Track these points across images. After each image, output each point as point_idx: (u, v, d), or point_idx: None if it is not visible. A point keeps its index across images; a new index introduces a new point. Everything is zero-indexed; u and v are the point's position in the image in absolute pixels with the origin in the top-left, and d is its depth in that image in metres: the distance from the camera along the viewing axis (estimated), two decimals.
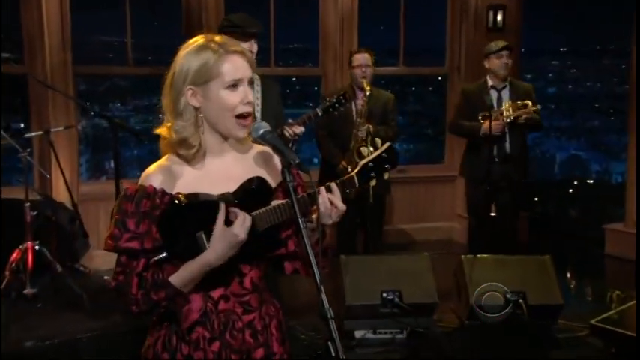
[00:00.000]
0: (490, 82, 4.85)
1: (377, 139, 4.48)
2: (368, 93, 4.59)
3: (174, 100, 1.67)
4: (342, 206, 1.68)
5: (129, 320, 3.80)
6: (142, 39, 6.16)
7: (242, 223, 1.60)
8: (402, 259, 3.97)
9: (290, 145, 3.53)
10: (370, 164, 1.75)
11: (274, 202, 1.65)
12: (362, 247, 4.92)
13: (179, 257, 1.62)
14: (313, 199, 1.64)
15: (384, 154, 1.77)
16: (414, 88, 7.73)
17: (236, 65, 1.65)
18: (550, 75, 9.40)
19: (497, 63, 4.78)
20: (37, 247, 4.40)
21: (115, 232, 1.61)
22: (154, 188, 1.63)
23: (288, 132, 3.54)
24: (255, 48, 3.38)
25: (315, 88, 7.11)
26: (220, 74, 1.64)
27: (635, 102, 5.62)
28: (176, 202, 1.61)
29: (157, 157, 1.74)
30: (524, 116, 4.65)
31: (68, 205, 4.98)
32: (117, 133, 4.03)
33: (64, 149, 5.18)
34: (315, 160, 6.79)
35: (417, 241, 6.37)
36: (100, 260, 5.21)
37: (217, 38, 1.68)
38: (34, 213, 4.49)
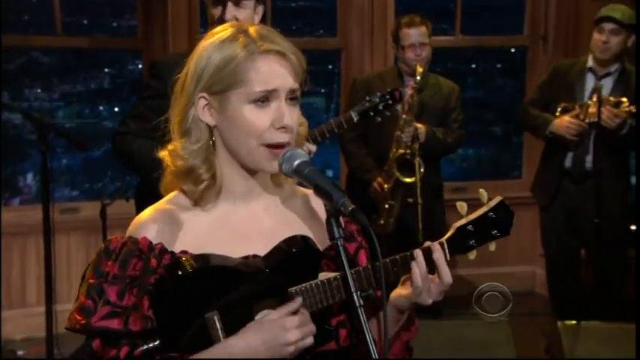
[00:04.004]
0: (590, 63, 4.83)
1: (418, 159, 4.55)
2: (418, 78, 4.65)
3: (183, 111, 1.68)
4: (448, 278, 1.69)
5: None
6: None
7: (300, 322, 1.60)
8: (470, 327, 4.04)
9: None
10: (469, 227, 1.75)
11: (323, 275, 1.66)
12: None
13: (178, 348, 1.61)
14: (378, 270, 1.63)
15: (490, 214, 1.75)
16: (474, 66, 7.73)
17: (271, 70, 1.65)
18: None
19: (595, 40, 4.76)
20: None
21: (87, 304, 1.60)
22: (150, 242, 1.64)
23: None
24: (244, 14, 3.38)
25: (330, 67, 7.14)
26: (245, 81, 1.64)
27: None
28: (176, 266, 1.61)
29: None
30: (609, 118, 4.48)
31: None
32: (46, 138, 4.03)
33: None
34: (330, 172, 6.82)
35: None
36: (11, 327, 5.20)
37: (252, 29, 1.68)
38: None
